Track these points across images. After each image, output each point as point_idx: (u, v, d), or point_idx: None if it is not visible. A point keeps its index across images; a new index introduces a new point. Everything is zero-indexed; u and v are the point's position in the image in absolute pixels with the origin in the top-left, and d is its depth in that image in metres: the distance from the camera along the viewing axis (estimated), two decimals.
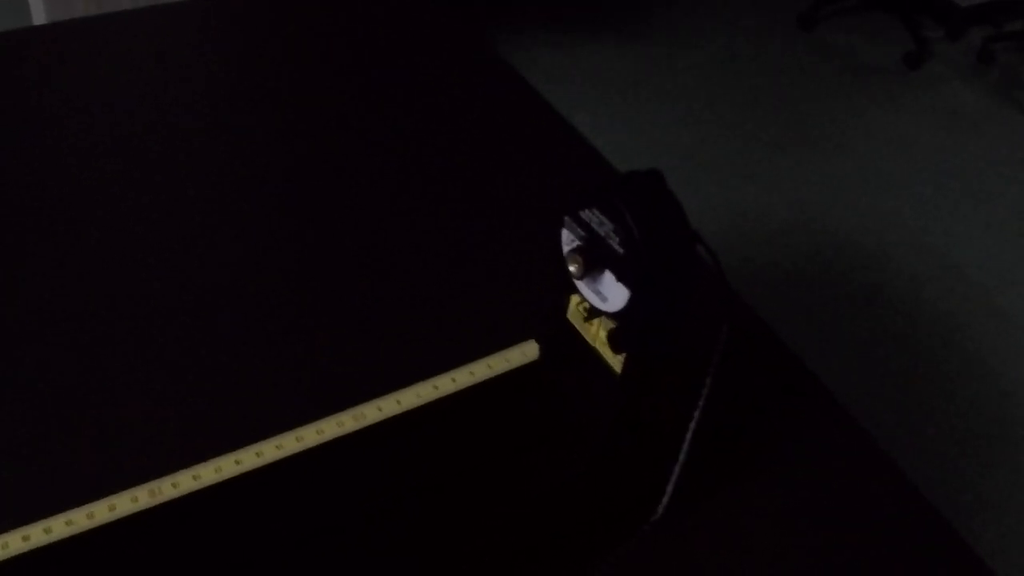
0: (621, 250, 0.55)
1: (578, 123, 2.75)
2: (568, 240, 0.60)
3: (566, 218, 0.59)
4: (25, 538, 0.60)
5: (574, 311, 0.64)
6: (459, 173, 0.93)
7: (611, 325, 0.61)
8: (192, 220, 0.84)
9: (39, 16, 1.95)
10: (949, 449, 1.98)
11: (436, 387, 0.70)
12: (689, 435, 0.67)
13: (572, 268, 0.58)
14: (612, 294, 0.57)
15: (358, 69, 1.07)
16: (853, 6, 3.52)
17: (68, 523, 0.62)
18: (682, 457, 0.67)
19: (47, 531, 0.61)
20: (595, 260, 0.57)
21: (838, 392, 2.06)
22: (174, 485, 0.64)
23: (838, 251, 2.44)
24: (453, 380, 0.70)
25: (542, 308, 0.68)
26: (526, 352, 0.72)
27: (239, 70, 1.05)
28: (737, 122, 2.86)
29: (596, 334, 0.63)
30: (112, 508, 0.63)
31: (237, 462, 0.66)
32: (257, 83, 1.03)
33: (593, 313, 0.61)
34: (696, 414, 0.67)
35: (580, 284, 0.60)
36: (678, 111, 2.87)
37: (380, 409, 0.68)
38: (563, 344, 0.66)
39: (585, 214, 0.57)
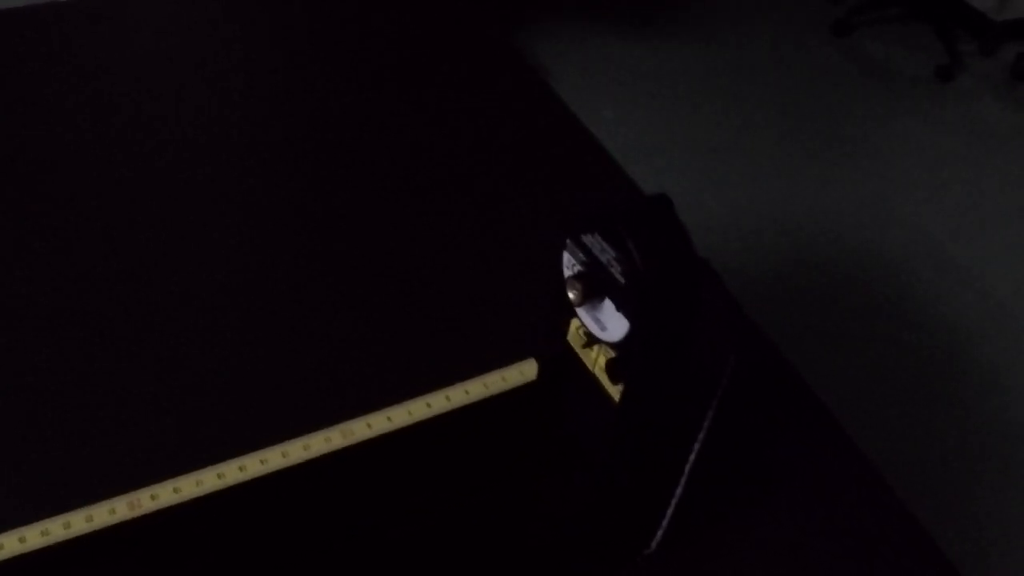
0: (622, 280, 0.53)
1: (604, 119, 2.72)
2: (569, 264, 0.57)
3: (568, 241, 0.56)
4: None
5: (574, 334, 0.62)
6: (464, 184, 0.91)
7: (611, 353, 0.58)
8: (189, 230, 0.83)
9: None
10: (963, 471, 1.95)
11: (429, 405, 0.67)
12: (688, 467, 0.65)
13: (571, 295, 0.55)
14: (611, 324, 0.55)
15: (372, 70, 1.05)
16: (888, 15, 3.48)
17: (43, 533, 0.60)
18: (679, 490, 0.65)
19: (22, 539, 0.59)
20: (595, 288, 0.55)
21: (850, 408, 2.03)
22: (153, 497, 0.62)
23: (860, 261, 2.40)
24: (447, 398, 0.68)
25: (543, 327, 0.65)
26: (524, 372, 0.70)
27: (250, 62, 1.03)
28: (765, 125, 2.83)
29: (596, 360, 0.60)
30: (89, 519, 0.61)
31: (219, 476, 0.64)
32: (268, 79, 1.01)
33: (592, 340, 0.59)
34: (696, 446, 0.64)
35: (579, 310, 0.57)
36: (707, 113, 2.84)
37: (370, 426, 0.66)
38: (562, 366, 0.63)
39: (587, 239, 0.55)
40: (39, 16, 1.05)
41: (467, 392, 0.68)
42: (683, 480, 0.65)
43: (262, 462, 0.64)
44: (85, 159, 0.87)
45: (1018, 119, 3.08)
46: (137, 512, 0.62)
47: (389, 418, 0.67)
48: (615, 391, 0.59)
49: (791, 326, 2.20)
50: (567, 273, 0.57)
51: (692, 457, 0.64)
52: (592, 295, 0.55)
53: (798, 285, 2.31)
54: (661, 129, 2.74)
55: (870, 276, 2.38)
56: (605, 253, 0.54)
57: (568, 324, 0.61)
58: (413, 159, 0.92)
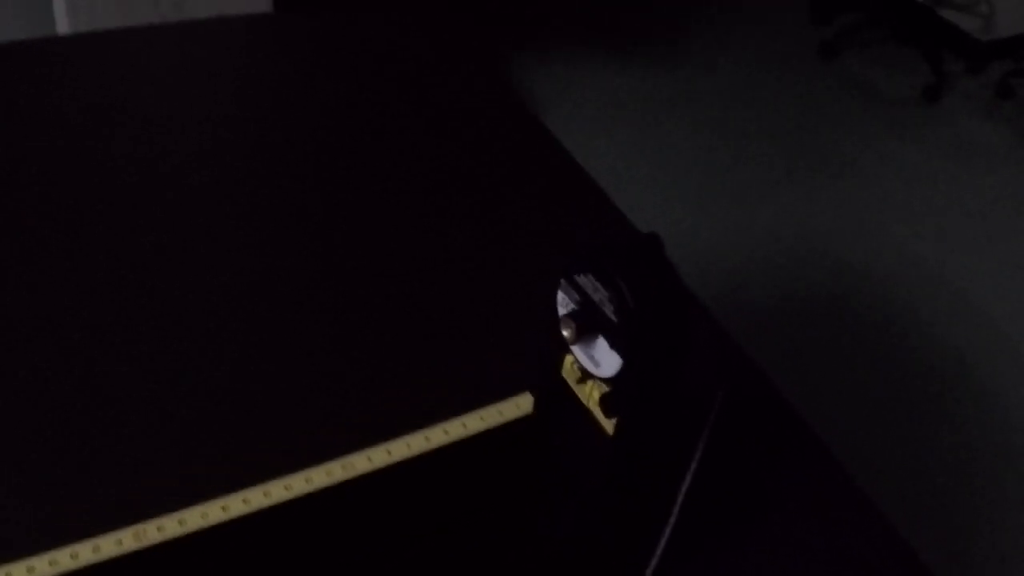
0: (615, 318, 0.55)
1: (596, 147, 2.75)
2: (563, 302, 0.59)
3: (562, 281, 0.58)
4: None
5: (569, 370, 0.64)
6: (458, 220, 0.93)
7: (604, 388, 0.60)
8: (186, 265, 0.84)
9: (63, 25, 1.96)
10: (958, 494, 1.97)
11: (428, 439, 0.69)
12: (681, 497, 0.67)
13: (566, 332, 0.57)
14: (605, 360, 0.57)
15: (365, 102, 1.06)
16: (874, 38, 3.51)
17: (51, 563, 0.61)
18: (673, 520, 0.67)
19: (30, 569, 0.60)
20: (588, 326, 0.56)
21: (843, 430, 2.05)
22: (159, 529, 0.64)
23: (851, 283, 2.42)
24: (445, 432, 0.70)
25: (538, 362, 0.67)
26: (520, 406, 0.72)
27: (254, 92, 1.05)
28: (755, 150, 2.86)
29: (590, 394, 0.62)
30: (96, 549, 0.62)
31: (224, 508, 0.65)
32: (268, 111, 1.03)
33: (586, 375, 0.60)
34: (688, 477, 0.66)
35: (574, 347, 0.59)
36: (697, 137, 2.87)
37: (370, 459, 0.68)
38: (557, 401, 0.65)
39: (581, 279, 0.57)
40: (38, 50, 1.07)
41: (464, 426, 0.70)
42: (676, 510, 0.67)
43: (265, 495, 0.66)
44: (86, 184, 0.89)
45: (1005, 138, 3.11)
46: (143, 543, 0.63)
47: (389, 452, 0.68)
48: (609, 425, 0.61)
49: (783, 349, 2.22)
50: (561, 312, 0.59)
51: (684, 487, 0.66)
52: (586, 333, 0.57)
53: (789, 307, 2.33)
54: (652, 154, 2.76)
55: (861, 298, 2.40)
56: (598, 293, 0.56)
57: (562, 359, 0.63)
58: (408, 194, 0.94)
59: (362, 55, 1.15)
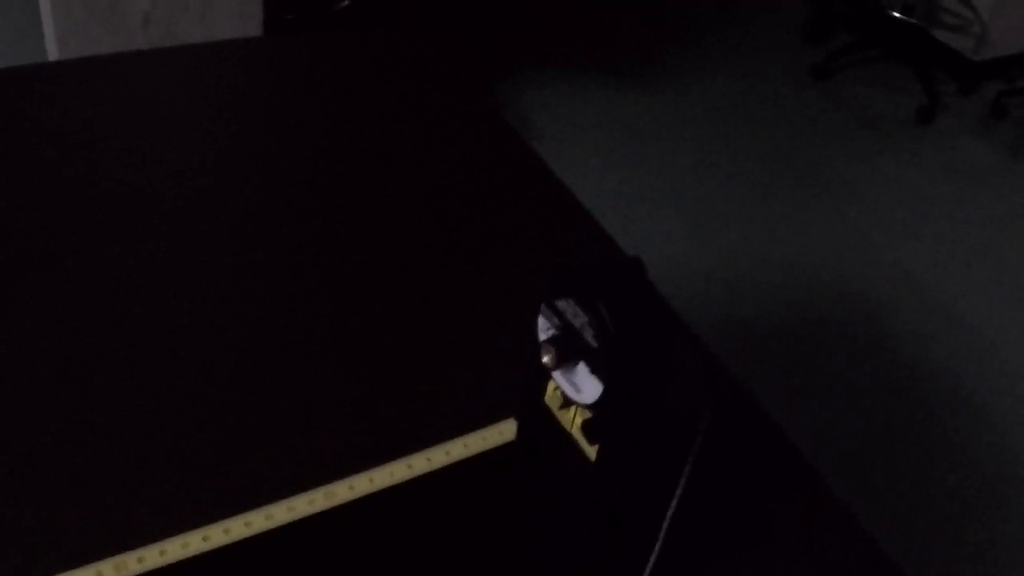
0: (595, 344, 0.54)
1: (591, 166, 2.75)
2: (544, 328, 0.58)
3: (542, 306, 0.58)
4: None
5: (552, 395, 0.63)
6: (443, 243, 0.92)
7: (587, 414, 0.59)
8: (165, 296, 0.84)
9: (53, 51, 1.97)
10: (954, 508, 1.96)
11: (411, 466, 0.69)
12: (667, 523, 0.66)
13: (546, 358, 0.57)
14: (586, 386, 0.56)
15: (352, 125, 1.06)
16: (866, 58, 3.52)
17: None
18: (659, 545, 0.66)
19: None
20: (569, 352, 0.56)
21: (838, 449, 2.04)
22: (139, 560, 0.63)
23: (845, 304, 2.42)
24: (428, 460, 0.69)
25: (521, 388, 0.67)
26: (503, 432, 0.71)
27: (244, 115, 1.05)
28: (748, 170, 2.86)
29: (572, 420, 0.61)
30: None
31: (205, 538, 0.65)
32: (259, 133, 1.03)
33: (568, 401, 0.60)
34: (673, 503, 0.66)
35: (554, 373, 0.59)
36: (691, 157, 2.87)
37: (352, 487, 0.67)
38: (540, 427, 0.65)
39: (561, 304, 0.56)
40: (29, 76, 1.07)
41: (448, 453, 0.69)
42: (662, 535, 0.66)
43: (246, 524, 0.65)
44: (78, 209, 0.88)
45: (998, 157, 3.12)
46: (123, 575, 0.62)
47: (372, 479, 0.68)
48: (592, 450, 0.60)
49: (777, 368, 2.21)
50: (542, 337, 0.58)
51: (670, 512, 0.65)
52: (566, 359, 0.56)
53: (783, 326, 2.33)
54: (645, 176, 2.77)
55: (855, 318, 2.39)
56: (578, 318, 0.55)
57: (545, 385, 0.63)
58: (394, 220, 0.94)
59: (351, 78, 1.15)
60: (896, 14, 3.43)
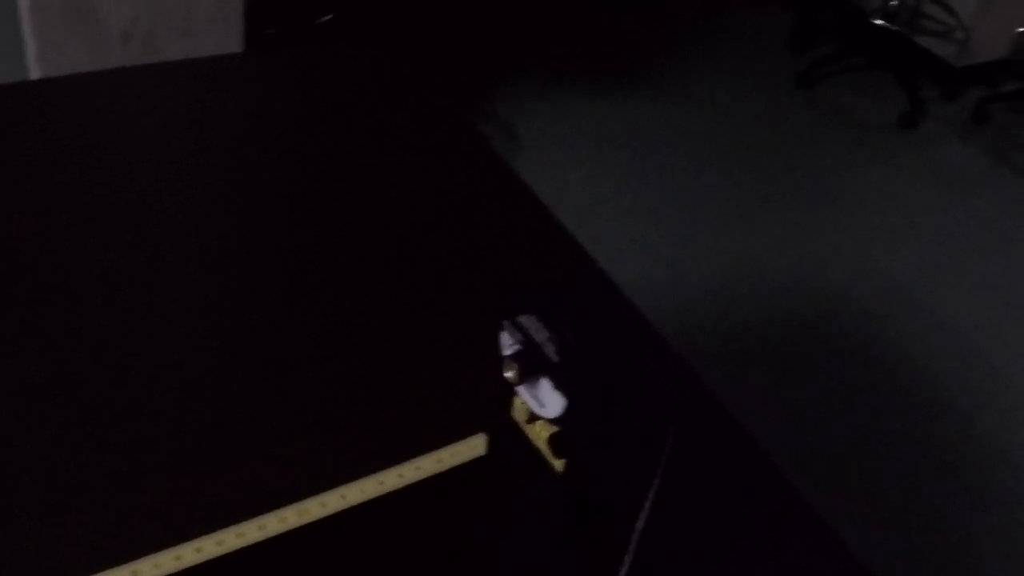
0: (557, 359, 0.55)
1: (575, 178, 2.75)
2: (508, 343, 0.59)
3: (506, 322, 0.58)
4: None
5: (519, 409, 0.63)
6: (413, 256, 0.93)
7: (553, 428, 0.60)
8: (127, 314, 0.84)
9: (34, 70, 1.97)
10: (937, 515, 1.96)
11: (382, 482, 0.69)
12: (636, 536, 0.66)
13: (508, 374, 0.57)
14: (549, 401, 0.57)
15: (331, 144, 1.07)
16: (850, 66, 3.53)
17: None
18: (629, 558, 0.67)
19: None
20: (532, 367, 0.56)
21: (819, 455, 2.04)
22: None
23: (829, 310, 2.43)
24: (400, 475, 0.69)
25: (490, 402, 0.67)
26: (474, 447, 0.71)
27: (226, 130, 1.05)
28: (732, 178, 2.87)
29: (539, 435, 0.62)
30: None
31: (177, 558, 0.65)
32: (235, 153, 1.03)
33: (535, 416, 0.60)
34: (642, 515, 0.66)
35: (519, 389, 0.59)
36: (675, 166, 2.88)
37: (324, 504, 0.67)
38: (508, 441, 0.65)
39: (523, 319, 0.57)
40: (10, 95, 1.07)
41: (419, 468, 0.70)
42: (632, 548, 0.66)
43: (218, 543, 0.65)
44: (59, 227, 0.88)
45: (981, 162, 3.13)
46: None
47: (343, 496, 0.68)
48: (560, 464, 0.61)
49: (761, 377, 2.22)
50: (506, 352, 0.59)
51: (640, 525, 0.66)
52: (529, 374, 0.57)
53: (768, 335, 2.33)
54: (630, 184, 2.77)
55: (839, 324, 2.40)
56: (540, 333, 0.56)
57: (512, 400, 0.63)
58: (364, 234, 0.94)
59: (330, 93, 1.15)
60: (878, 21, 3.45)
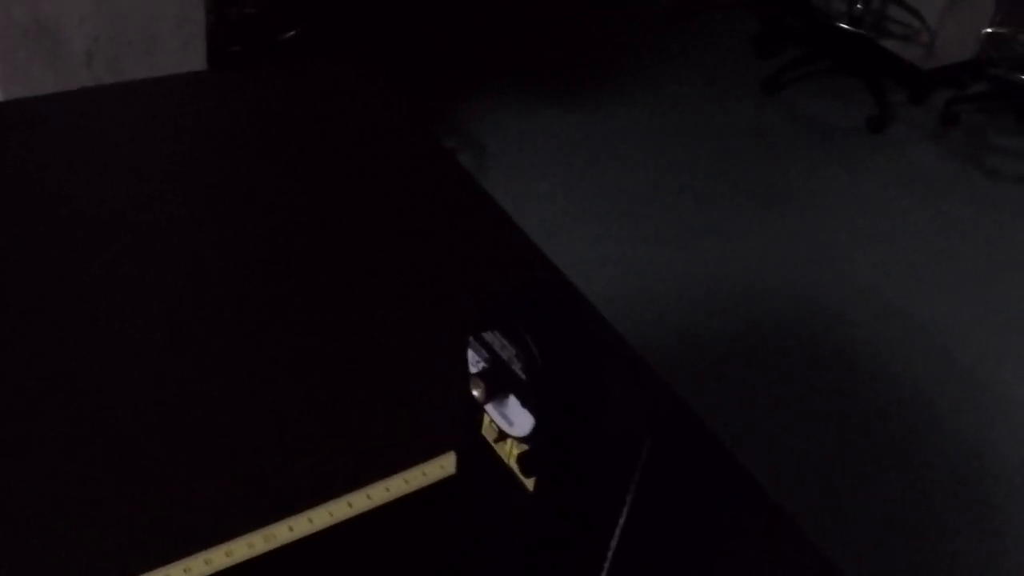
0: (524, 376, 0.54)
1: (543, 188, 2.75)
2: (474, 361, 0.58)
3: (471, 339, 0.57)
4: None
5: (488, 427, 0.62)
6: (380, 272, 0.91)
7: (522, 447, 0.59)
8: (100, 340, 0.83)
9: None
10: (913, 517, 1.96)
11: (351, 504, 0.68)
12: (611, 552, 0.65)
13: (475, 392, 0.56)
14: (518, 419, 0.56)
15: (294, 159, 1.06)
16: (817, 70, 3.55)
17: None
18: (604, 574, 0.66)
19: None
20: (498, 385, 0.55)
21: (794, 460, 2.04)
22: None
23: (800, 315, 2.43)
24: (368, 497, 0.68)
25: (459, 420, 0.66)
26: (444, 466, 0.70)
27: (190, 149, 1.04)
28: (701, 185, 2.87)
29: (509, 452, 0.61)
30: None
31: None
32: (201, 169, 1.02)
33: (503, 434, 0.59)
34: (616, 531, 0.65)
35: (487, 407, 0.58)
36: (644, 174, 2.88)
37: (291, 529, 0.66)
38: (479, 459, 0.64)
39: (488, 336, 0.56)
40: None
41: (388, 489, 0.69)
42: (607, 564, 0.65)
43: (185, 571, 0.64)
44: (28, 248, 0.87)
45: (949, 164, 3.15)
46: None
47: (311, 520, 0.67)
48: (530, 482, 0.60)
49: (734, 383, 2.22)
50: (472, 370, 0.58)
51: (614, 541, 0.65)
52: (496, 392, 0.56)
53: (740, 341, 2.33)
54: (598, 193, 2.77)
55: (811, 328, 2.40)
56: (506, 350, 0.55)
57: (481, 418, 0.62)
58: (330, 253, 0.93)
59: (292, 109, 1.14)
60: (844, 25, 3.47)
